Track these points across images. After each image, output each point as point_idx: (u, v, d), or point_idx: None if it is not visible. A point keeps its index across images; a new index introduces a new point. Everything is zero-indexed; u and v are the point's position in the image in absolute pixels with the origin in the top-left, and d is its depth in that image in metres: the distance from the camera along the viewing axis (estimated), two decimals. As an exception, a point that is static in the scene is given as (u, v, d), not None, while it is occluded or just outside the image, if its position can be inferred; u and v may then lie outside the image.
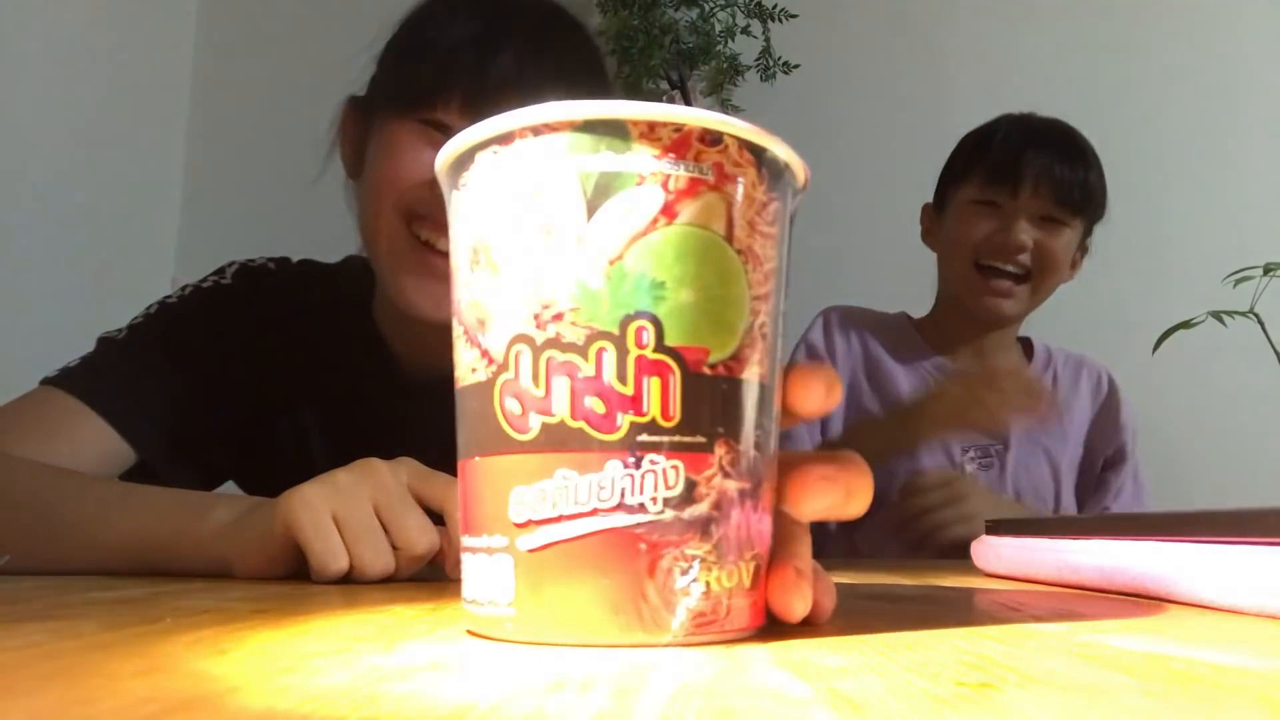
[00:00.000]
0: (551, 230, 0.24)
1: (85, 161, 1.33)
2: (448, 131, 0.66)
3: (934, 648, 0.24)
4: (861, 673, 0.20)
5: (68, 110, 1.29)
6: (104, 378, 0.68)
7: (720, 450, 0.25)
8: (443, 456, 0.35)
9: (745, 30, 1.62)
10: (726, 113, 1.29)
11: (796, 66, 1.64)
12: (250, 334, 0.73)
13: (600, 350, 0.24)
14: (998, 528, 0.56)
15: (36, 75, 1.23)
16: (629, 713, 0.16)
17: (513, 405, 0.24)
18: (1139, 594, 0.39)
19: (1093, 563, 0.43)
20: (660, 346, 0.24)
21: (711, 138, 0.25)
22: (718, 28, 1.60)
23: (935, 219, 1.22)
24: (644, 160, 0.24)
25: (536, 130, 0.25)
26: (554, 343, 0.24)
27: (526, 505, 0.24)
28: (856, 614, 0.32)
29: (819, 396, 0.28)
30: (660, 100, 1.48)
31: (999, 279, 1.10)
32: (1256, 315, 0.82)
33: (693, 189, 0.25)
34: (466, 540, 0.27)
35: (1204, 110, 1.73)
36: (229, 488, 0.81)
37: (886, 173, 1.66)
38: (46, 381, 0.67)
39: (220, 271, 0.76)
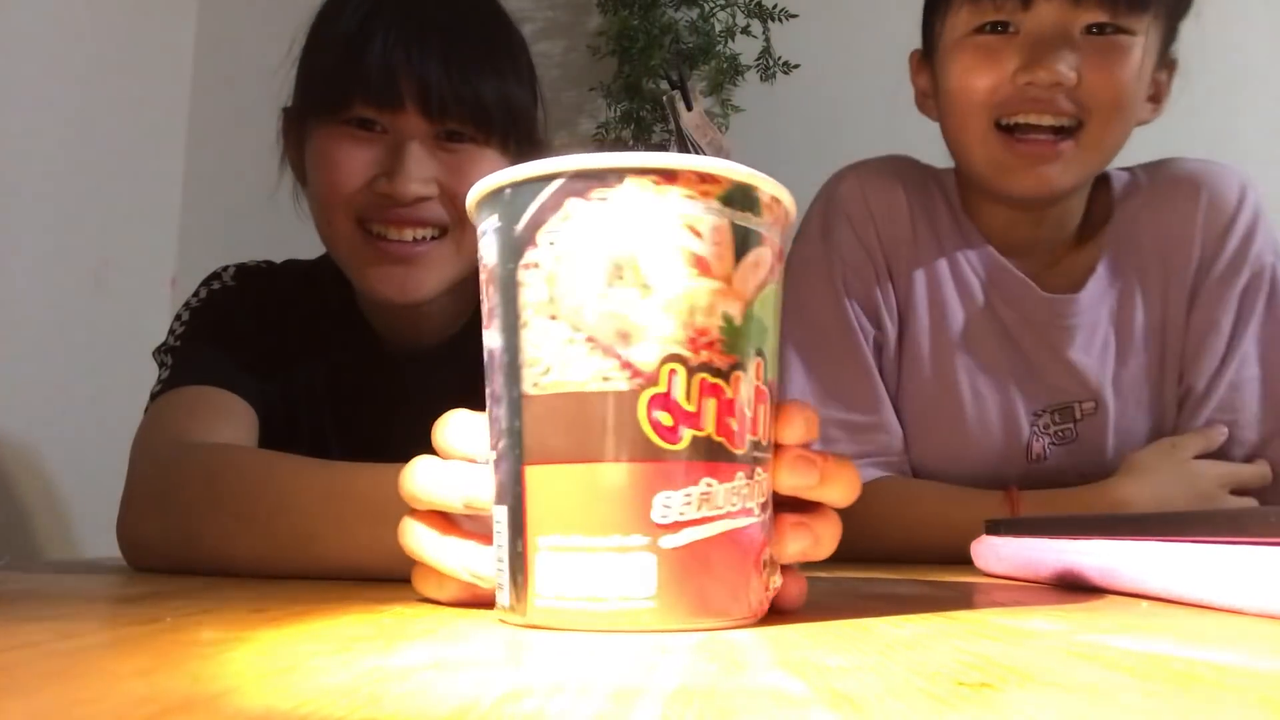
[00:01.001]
0: (711, 268, 0.28)
1: (85, 161, 1.33)
2: (372, 127, 0.68)
3: (934, 648, 0.24)
4: (861, 672, 0.20)
5: (67, 109, 1.29)
6: (197, 366, 0.70)
7: (774, 465, 0.30)
8: (422, 417, 0.36)
9: (745, 30, 1.61)
10: (727, 113, 1.27)
11: (796, 66, 1.64)
12: (257, 318, 0.77)
13: (737, 378, 0.28)
14: (998, 528, 0.55)
15: (36, 74, 1.23)
16: (629, 713, 0.16)
17: (662, 417, 0.27)
18: (1139, 594, 0.39)
19: (1093, 563, 0.43)
20: (764, 379, 0.29)
21: (786, 215, 0.31)
22: (718, 28, 1.59)
23: (928, 71, 0.84)
24: (768, 225, 0.29)
25: (703, 178, 0.28)
26: (706, 366, 0.27)
27: (673, 508, 0.27)
28: (856, 613, 0.32)
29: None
30: (661, 101, 1.46)
31: (1033, 134, 0.74)
32: (1256, 315, 0.82)
33: (781, 254, 0.31)
34: (571, 540, 0.27)
35: (1204, 109, 1.73)
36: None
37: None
38: (156, 395, 0.69)
39: (217, 277, 0.80)
